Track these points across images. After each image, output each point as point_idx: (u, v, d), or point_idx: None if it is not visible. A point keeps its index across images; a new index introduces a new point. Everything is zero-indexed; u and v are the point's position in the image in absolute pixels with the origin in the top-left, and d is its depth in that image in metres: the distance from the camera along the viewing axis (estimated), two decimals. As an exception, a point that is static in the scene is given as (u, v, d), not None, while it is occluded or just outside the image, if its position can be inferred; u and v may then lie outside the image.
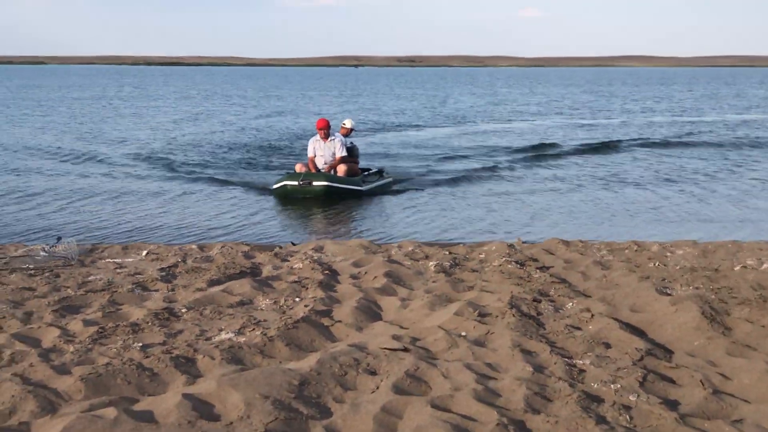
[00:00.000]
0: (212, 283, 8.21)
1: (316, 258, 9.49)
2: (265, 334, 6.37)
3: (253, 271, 8.90)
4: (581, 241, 10.71)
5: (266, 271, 8.94)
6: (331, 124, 15.84)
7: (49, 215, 14.11)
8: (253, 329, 6.57)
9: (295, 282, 8.24)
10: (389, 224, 13.63)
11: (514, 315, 6.81)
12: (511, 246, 10.24)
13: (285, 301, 7.51)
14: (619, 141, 28.20)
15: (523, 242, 10.76)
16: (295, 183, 15.02)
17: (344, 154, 15.72)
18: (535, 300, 7.47)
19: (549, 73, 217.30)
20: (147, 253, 9.74)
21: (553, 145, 26.63)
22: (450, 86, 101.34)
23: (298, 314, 6.93)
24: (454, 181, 18.68)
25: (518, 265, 9.02)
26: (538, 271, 8.82)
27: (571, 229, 13.31)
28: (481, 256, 9.89)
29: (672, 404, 5.16)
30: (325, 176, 15.18)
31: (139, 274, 8.68)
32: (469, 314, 6.87)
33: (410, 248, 10.15)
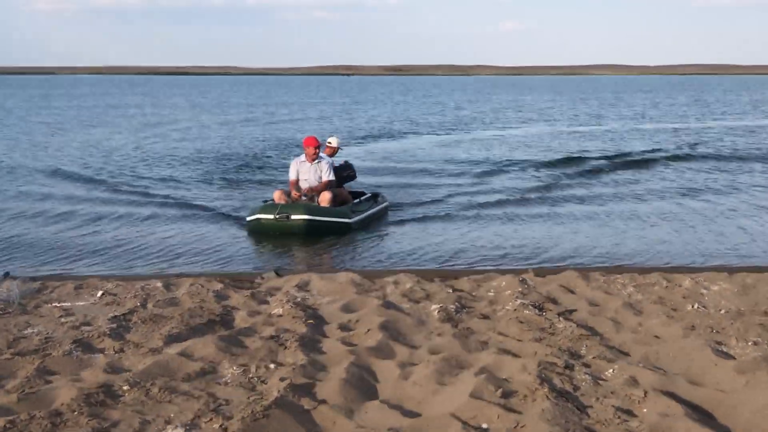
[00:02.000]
0: (171, 339, 6.37)
1: (299, 299, 7.65)
2: (225, 429, 4.55)
3: (224, 320, 7.06)
4: (602, 274, 8.89)
5: (239, 319, 7.11)
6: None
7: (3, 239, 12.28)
8: (211, 419, 4.75)
9: (273, 338, 6.40)
10: (383, 251, 11.70)
11: (547, 395, 4.99)
12: (522, 281, 8.42)
13: (257, 369, 5.69)
14: (622, 153, 25.27)
15: (536, 275, 8.93)
16: (271, 217, 12.20)
17: (332, 178, 12.93)
18: (567, 366, 5.66)
19: (529, 81, 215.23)
20: (102, 294, 7.89)
21: (562, 160, 23.50)
22: (443, 94, 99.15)
23: (272, 392, 5.11)
24: (456, 202, 16.09)
25: (537, 310, 7.20)
26: (561, 318, 7.01)
27: (585, 252, 11.52)
28: (490, 294, 8.08)
29: None
30: (305, 208, 12.28)
31: (86, 324, 6.84)
32: (490, 394, 5.05)
33: (408, 285, 8.31)
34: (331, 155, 13.39)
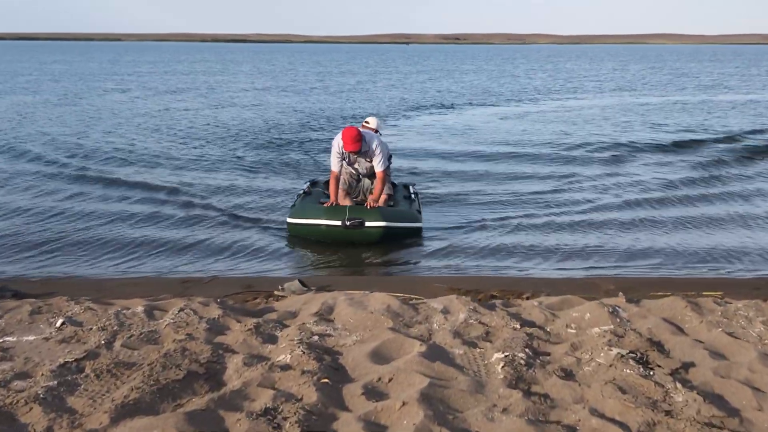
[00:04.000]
0: (124, 411, 4.39)
1: (316, 339, 5.62)
2: None
3: (210, 372, 5.06)
4: (716, 301, 6.66)
5: (232, 370, 5.10)
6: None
7: None
8: None
9: (266, 413, 4.38)
10: (428, 254, 9.63)
11: None
12: (613, 311, 6.25)
13: (229, 482, 3.67)
14: (725, 136, 21.10)
15: (629, 300, 6.74)
16: (338, 224, 9.71)
17: (384, 167, 10.19)
18: (708, 493, 3.54)
19: (588, 50, 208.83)
20: (62, 324, 5.94)
21: (628, 144, 19.66)
22: (507, 62, 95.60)
23: None
24: (514, 192, 13.55)
25: (640, 367, 5.06)
26: (676, 382, 4.87)
27: (673, 261, 9.34)
28: (570, 331, 5.95)
29: None
30: (379, 213, 9.79)
31: (21, 378, 4.92)
32: None
33: (461, 316, 6.20)
34: None
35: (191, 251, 9.63)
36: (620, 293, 6.84)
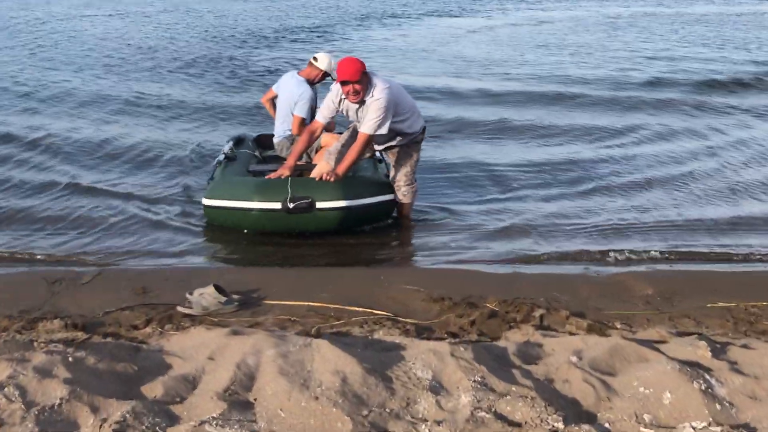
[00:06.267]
0: None
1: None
2: None
3: None
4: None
5: None
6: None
7: None
8: None
9: None
10: (394, 231, 7.01)
11: None
12: (707, 388, 3.79)
13: None
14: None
15: (713, 350, 4.27)
16: (276, 206, 6.54)
17: (373, 131, 6.61)
18: None
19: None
20: None
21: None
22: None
23: None
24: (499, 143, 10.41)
25: None
26: None
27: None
28: (646, 430, 3.50)
29: None
30: (336, 188, 6.57)
31: None
32: None
33: (464, 399, 3.64)
34: (315, 81, 7.79)
35: (70, 229, 6.93)
36: (702, 342, 4.35)
